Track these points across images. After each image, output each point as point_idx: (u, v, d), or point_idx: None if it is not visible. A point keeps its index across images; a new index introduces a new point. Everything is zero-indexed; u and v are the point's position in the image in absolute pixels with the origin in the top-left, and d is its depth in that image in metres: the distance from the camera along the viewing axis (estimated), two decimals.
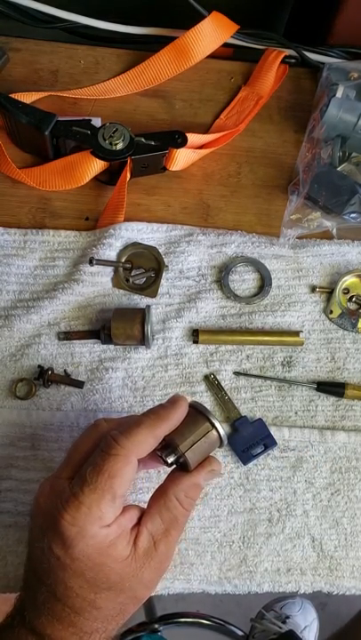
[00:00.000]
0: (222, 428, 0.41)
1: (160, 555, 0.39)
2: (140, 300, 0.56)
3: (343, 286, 0.57)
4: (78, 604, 0.37)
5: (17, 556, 0.48)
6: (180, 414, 0.41)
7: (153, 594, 0.44)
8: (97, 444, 0.39)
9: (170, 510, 0.40)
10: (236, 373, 0.54)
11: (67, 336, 0.54)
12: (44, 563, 0.37)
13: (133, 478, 0.38)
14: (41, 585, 0.38)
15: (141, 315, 0.52)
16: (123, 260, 0.57)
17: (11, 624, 0.39)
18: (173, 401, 0.41)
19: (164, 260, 0.57)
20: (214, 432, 0.41)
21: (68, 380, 0.53)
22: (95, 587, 0.37)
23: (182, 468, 0.42)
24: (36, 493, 0.40)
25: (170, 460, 0.41)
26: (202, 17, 0.63)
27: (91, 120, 0.59)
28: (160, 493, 0.41)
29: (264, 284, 0.57)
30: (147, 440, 0.38)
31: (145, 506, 0.41)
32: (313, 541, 0.50)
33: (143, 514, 0.40)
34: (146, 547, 0.39)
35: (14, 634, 0.38)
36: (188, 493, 0.40)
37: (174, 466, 0.42)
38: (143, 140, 0.58)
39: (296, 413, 0.53)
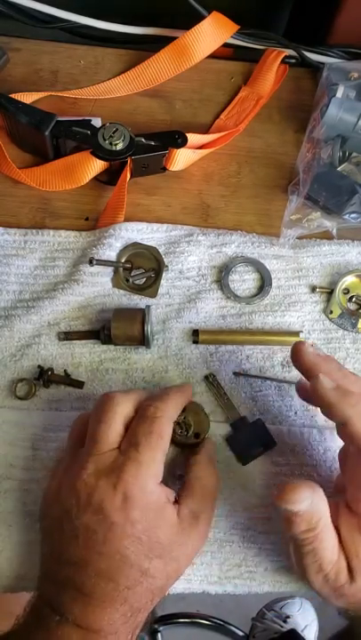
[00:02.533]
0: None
1: (201, 528, 0.43)
2: (140, 301, 0.56)
3: (343, 286, 0.57)
4: (132, 576, 0.39)
5: (17, 557, 0.48)
6: (190, 391, 0.49)
7: None
8: (125, 417, 0.43)
9: (203, 487, 0.45)
10: (236, 374, 0.54)
11: (67, 336, 0.54)
12: (89, 544, 0.39)
13: (171, 435, 0.44)
14: (85, 570, 0.39)
15: (141, 315, 0.52)
16: (123, 261, 0.57)
17: (43, 626, 0.39)
18: (187, 385, 0.50)
19: (164, 260, 0.57)
20: None
21: (68, 380, 0.53)
22: (150, 552, 0.40)
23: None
24: (52, 488, 0.44)
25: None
26: (202, 17, 0.63)
27: (91, 120, 0.59)
28: (189, 476, 0.45)
29: (264, 284, 0.57)
30: (178, 403, 0.46)
31: None
32: None
33: (178, 495, 0.44)
34: (189, 519, 0.42)
35: (54, 636, 0.38)
36: (207, 466, 0.46)
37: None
38: (143, 140, 0.58)
39: (296, 413, 0.53)
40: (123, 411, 0.43)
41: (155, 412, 0.43)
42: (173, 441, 0.51)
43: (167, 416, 0.43)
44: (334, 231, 0.58)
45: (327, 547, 0.39)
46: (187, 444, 0.50)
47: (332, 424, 0.53)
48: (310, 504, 0.38)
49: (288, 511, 0.38)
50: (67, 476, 0.43)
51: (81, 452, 0.43)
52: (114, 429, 0.42)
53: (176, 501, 0.43)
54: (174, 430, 0.48)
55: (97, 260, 0.55)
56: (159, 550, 0.40)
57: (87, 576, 0.39)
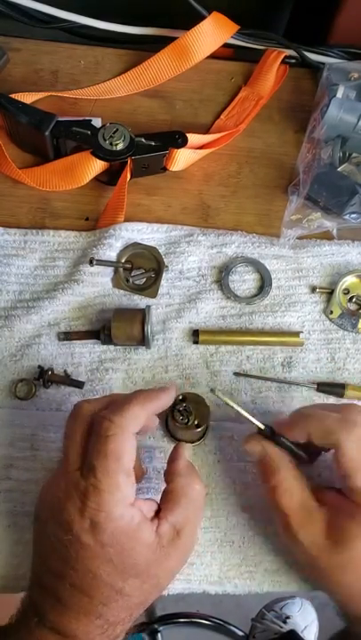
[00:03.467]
0: None
1: (183, 543, 0.40)
2: (140, 301, 0.56)
3: (343, 287, 0.57)
4: (106, 593, 0.38)
5: (16, 557, 0.48)
6: (169, 395, 0.43)
7: None
8: (89, 428, 0.39)
9: (187, 496, 0.41)
10: (236, 374, 0.54)
11: (67, 336, 0.54)
12: (65, 557, 0.38)
13: (135, 448, 0.39)
14: (62, 581, 0.38)
15: (141, 315, 0.52)
16: (123, 261, 0.57)
17: (26, 625, 0.39)
18: (163, 386, 0.44)
19: (164, 260, 0.57)
20: None
21: (68, 380, 0.53)
22: (124, 573, 0.38)
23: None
24: (43, 492, 0.41)
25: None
26: (202, 17, 0.63)
27: (91, 120, 0.59)
28: (170, 487, 0.42)
29: (264, 284, 0.57)
30: (140, 415, 0.40)
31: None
32: None
33: (160, 508, 0.41)
34: (169, 535, 0.39)
35: (33, 636, 0.38)
36: (188, 474, 0.42)
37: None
38: (143, 140, 0.58)
39: None
40: (82, 424, 0.40)
41: (108, 427, 0.38)
42: (171, 433, 0.51)
43: (125, 432, 0.38)
44: (335, 231, 0.58)
45: (291, 493, 0.42)
46: (187, 433, 0.49)
47: None
48: (262, 450, 0.43)
49: (253, 459, 0.44)
50: (51, 485, 0.41)
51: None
52: (74, 447, 0.39)
53: (157, 514, 0.40)
54: (175, 418, 0.47)
55: (97, 260, 0.55)
56: (134, 571, 0.38)
57: (64, 587, 0.38)
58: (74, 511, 0.37)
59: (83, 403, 0.41)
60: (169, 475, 0.43)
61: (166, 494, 0.42)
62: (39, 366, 0.53)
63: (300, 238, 0.59)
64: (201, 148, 0.62)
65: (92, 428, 0.39)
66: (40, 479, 0.49)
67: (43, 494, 0.42)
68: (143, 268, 0.57)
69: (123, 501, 0.37)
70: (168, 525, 0.40)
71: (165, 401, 0.43)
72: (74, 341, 0.54)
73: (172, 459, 0.44)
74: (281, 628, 1.01)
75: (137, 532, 0.38)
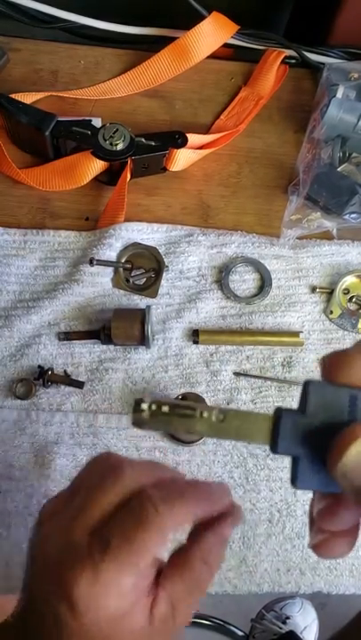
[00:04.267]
0: None
1: (178, 623, 0.33)
2: (140, 301, 0.56)
3: (343, 287, 0.57)
4: None
5: (17, 557, 0.48)
6: (223, 503, 0.34)
7: None
8: (122, 496, 0.32)
9: (193, 570, 0.33)
10: (237, 374, 0.54)
11: (67, 336, 0.54)
12: (46, 618, 0.32)
13: (165, 548, 0.32)
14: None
15: (141, 315, 0.52)
16: (123, 261, 0.57)
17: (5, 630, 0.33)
18: (223, 488, 0.34)
19: (165, 260, 0.57)
20: None
21: (68, 380, 0.53)
22: None
23: None
24: (44, 518, 0.34)
25: None
26: (202, 17, 0.63)
27: (91, 120, 0.59)
28: (182, 551, 0.34)
29: (264, 284, 0.57)
30: (190, 513, 0.32)
31: None
32: None
33: (162, 572, 0.33)
34: (164, 614, 0.32)
35: None
36: (213, 549, 0.33)
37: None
38: (143, 140, 0.58)
39: None
40: (119, 493, 0.32)
41: (149, 514, 0.31)
42: (173, 435, 0.51)
43: (164, 528, 0.31)
44: (334, 231, 0.58)
45: None
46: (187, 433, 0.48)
47: None
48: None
49: None
50: (52, 523, 0.34)
51: (69, 506, 0.33)
52: (97, 509, 0.32)
53: (157, 579, 0.32)
54: None
55: (97, 260, 0.55)
56: None
57: None
58: (58, 581, 0.31)
59: (125, 465, 0.34)
60: (193, 535, 0.34)
61: (178, 556, 0.33)
62: (39, 366, 0.53)
63: (300, 238, 0.59)
64: (201, 148, 0.62)
65: (128, 501, 0.32)
66: (40, 479, 0.49)
67: (43, 523, 0.35)
68: (143, 268, 0.57)
69: (114, 595, 0.30)
70: (165, 600, 0.32)
71: (218, 504, 0.33)
72: (74, 341, 0.54)
73: (206, 524, 0.34)
74: (281, 628, 1.01)
75: (123, 619, 0.31)
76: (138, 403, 0.27)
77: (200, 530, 0.34)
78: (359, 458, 0.25)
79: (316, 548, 0.29)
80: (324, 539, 0.29)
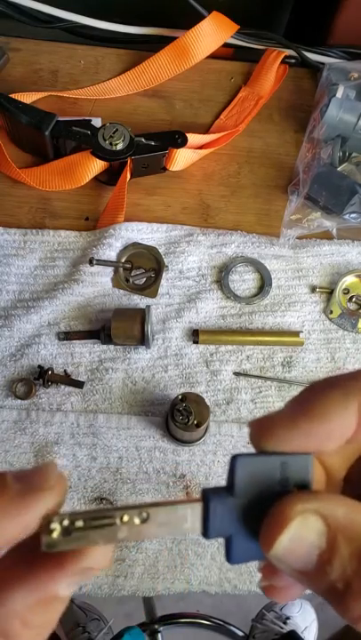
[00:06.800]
0: None
1: None
2: (140, 300, 0.56)
3: (343, 286, 0.57)
4: None
5: None
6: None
7: (153, 594, 0.43)
8: None
9: None
10: (236, 374, 0.54)
11: (67, 336, 0.54)
12: None
13: None
14: None
15: (141, 315, 0.52)
16: (123, 261, 0.57)
17: None
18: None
19: (164, 260, 0.57)
20: None
21: (68, 380, 0.53)
22: None
23: None
24: None
25: None
26: (202, 17, 0.63)
27: (91, 120, 0.59)
28: None
29: (264, 284, 0.57)
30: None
31: None
32: None
33: None
34: None
35: None
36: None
37: None
38: (143, 140, 0.58)
39: None
40: None
41: None
42: (171, 433, 0.51)
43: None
44: (334, 231, 0.58)
45: None
46: (187, 433, 0.49)
47: None
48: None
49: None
50: None
51: None
52: None
53: None
54: (175, 418, 0.48)
55: (97, 260, 0.55)
56: None
57: None
58: None
59: None
60: None
61: None
62: (39, 366, 0.53)
63: (299, 238, 0.59)
64: (201, 147, 0.62)
65: None
66: None
67: None
68: (143, 268, 0.57)
69: None
70: None
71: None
72: (74, 341, 0.54)
73: None
74: (281, 628, 1.01)
75: None
76: (47, 522, 0.22)
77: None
78: (293, 544, 0.22)
79: (265, 590, 0.27)
80: (271, 585, 0.27)
